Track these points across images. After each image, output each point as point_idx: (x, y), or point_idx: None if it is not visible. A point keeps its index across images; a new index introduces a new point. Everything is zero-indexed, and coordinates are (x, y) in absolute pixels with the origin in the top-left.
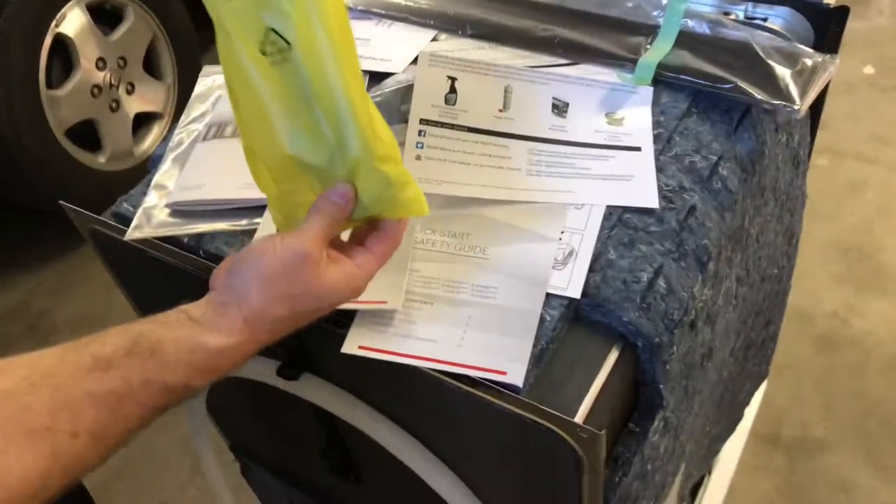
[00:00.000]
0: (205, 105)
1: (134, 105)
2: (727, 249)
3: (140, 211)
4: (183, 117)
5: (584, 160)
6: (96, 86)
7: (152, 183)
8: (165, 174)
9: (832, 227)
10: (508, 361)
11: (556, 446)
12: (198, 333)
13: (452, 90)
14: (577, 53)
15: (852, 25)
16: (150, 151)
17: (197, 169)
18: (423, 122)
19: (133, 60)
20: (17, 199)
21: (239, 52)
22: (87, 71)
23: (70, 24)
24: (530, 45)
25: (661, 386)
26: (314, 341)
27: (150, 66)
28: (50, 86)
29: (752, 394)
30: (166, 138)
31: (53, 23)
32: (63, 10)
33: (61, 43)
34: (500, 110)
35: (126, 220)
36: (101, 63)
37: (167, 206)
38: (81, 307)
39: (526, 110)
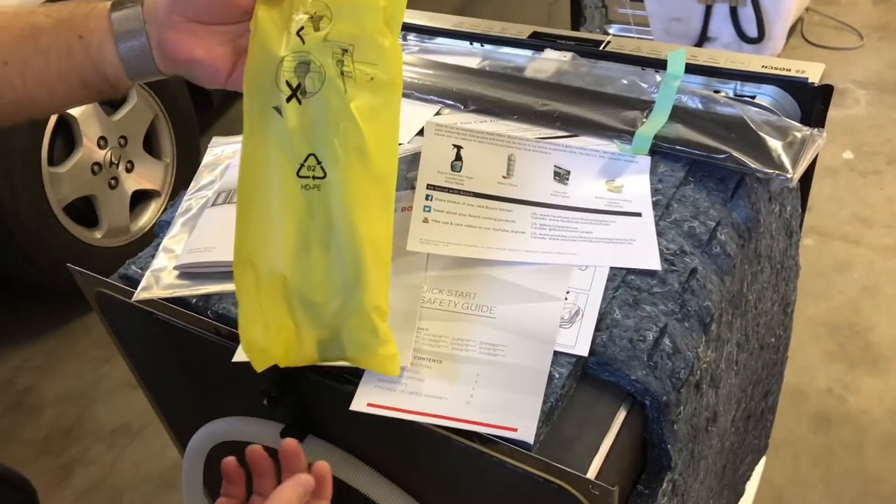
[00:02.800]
0: (213, 174)
1: (132, 183)
2: (727, 313)
3: (148, 273)
4: (192, 185)
5: (586, 224)
6: (97, 163)
7: (161, 246)
8: (174, 238)
9: (822, 305)
10: (518, 418)
11: None
12: None
13: (458, 158)
14: (575, 126)
15: (831, 114)
16: (146, 228)
17: (206, 232)
18: (430, 187)
19: (133, 139)
20: (14, 273)
21: (270, 163)
22: (89, 149)
23: None
24: (530, 118)
25: (669, 446)
26: (319, 402)
27: (150, 146)
28: (51, 163)
29: (752, 468)
30: (174, 205)
31: None
32: None
33: (64, 121)
34: (504, 177)
35: (133, 283)
36: (102, 142)
37: (176, 268)
38: (69, 384)
39: (529, 177)
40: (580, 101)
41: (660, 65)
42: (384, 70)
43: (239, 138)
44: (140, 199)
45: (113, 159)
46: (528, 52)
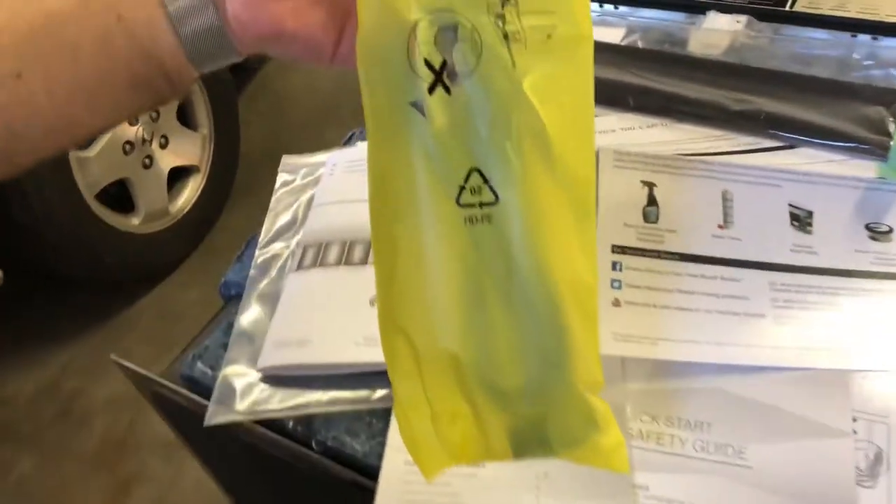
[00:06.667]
0: (288, 214)
1: (168, 160)
2: None
3: (222, 379)
4: (264, 230)
5: (852, 297)
6: (128, 142)
7: (235, 329)
8: (250, 318)
9: None
10: None
11: None
12: None
13: (652, 201)
14: (792, 132)
15: None
16: (185, 208)
17: (295, 315)
18: (616, 249)
19: (166, 111)
20: (49, 268)
21: (414, 189)
22: (119, 127)
23: None
24: (724, 122)
25: None
26: None
27: (184, 116)
28: (78, 146)
29: None
30: (243, 258)
31: None
32: None
33: None
34: (721, 226)
35: (201, 388)
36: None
37: (260, 370)
38: (119, 387)
39: (756, 225)
40: (788, 93)
41: (883, 30)
42: (566, 17)
43: (316, 158)
44: (177, 176)
45: (145, 135)
46: (679, 17)
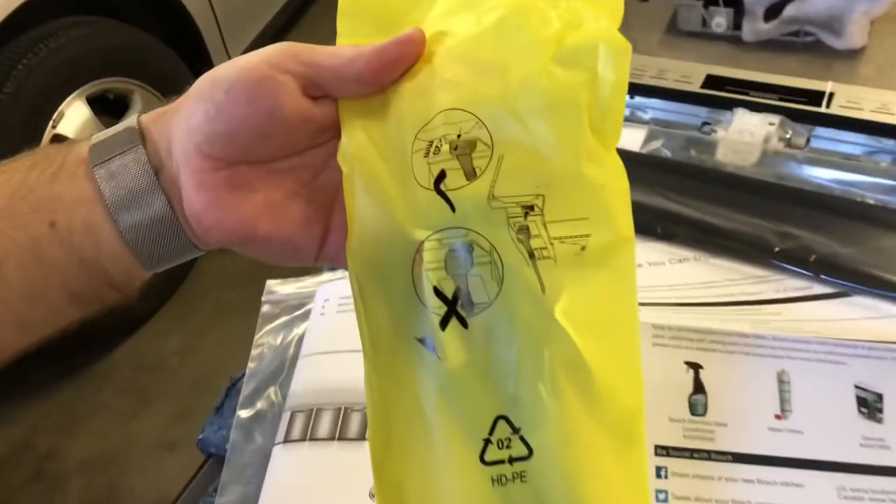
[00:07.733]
0: (273, 358)
1: None
2: None
3: None
4: (245, 382)
5: None
6: None
7: None
8: (231, 501)
9: None
10: None
11: None
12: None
13: (699, 388)
14: (846, 280)
15: None
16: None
17: (282, 501)
18: (661, 451)
19: None
20: None
21: (427, 439)
22: None
23: (70, 122)
24: (765, 261)
25: None
26: None
27: None
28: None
29: None
30: (222, 411)
31: (50, 123)
32: (61, 108)
33: (58, 141)
34: (778, 416)
35: None
36: None
37: None
38: (95, 445)
39: (818, 413)
40: (835, 223)
41: None
42: (602, 222)
43: (302, 287)
44: None
45: None
46: (701, 111)
